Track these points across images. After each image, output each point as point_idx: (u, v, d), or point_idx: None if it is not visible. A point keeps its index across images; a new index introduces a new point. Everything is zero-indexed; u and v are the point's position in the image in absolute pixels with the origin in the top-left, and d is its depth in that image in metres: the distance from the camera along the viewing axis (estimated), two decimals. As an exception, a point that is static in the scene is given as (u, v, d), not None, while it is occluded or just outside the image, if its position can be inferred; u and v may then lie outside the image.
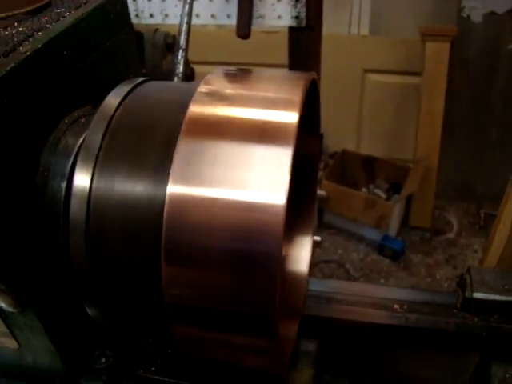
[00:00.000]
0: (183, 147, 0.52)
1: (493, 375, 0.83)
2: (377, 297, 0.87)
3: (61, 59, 0.64)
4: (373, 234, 2.82)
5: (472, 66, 2.66)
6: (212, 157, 0.51)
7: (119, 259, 0.57)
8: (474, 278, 0.84)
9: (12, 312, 0.61)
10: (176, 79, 0.90)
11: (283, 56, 1.47)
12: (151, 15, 1.38)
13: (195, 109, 0.54)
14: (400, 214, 2.86)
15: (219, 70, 0.60)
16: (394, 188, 2.88)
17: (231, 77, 0.60)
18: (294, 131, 0.50)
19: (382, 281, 2.66)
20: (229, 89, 0.57)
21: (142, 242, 0.55)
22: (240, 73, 0.60)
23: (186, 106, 0.54)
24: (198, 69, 1.42)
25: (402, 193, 2.73)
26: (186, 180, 0.51)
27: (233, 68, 0.61)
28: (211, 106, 0.54)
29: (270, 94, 0.55)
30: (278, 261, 0.48)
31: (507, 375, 0.82)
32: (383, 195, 2.87)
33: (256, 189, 0.49)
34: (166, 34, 1.05)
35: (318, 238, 0.81)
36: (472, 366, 0.92)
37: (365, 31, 2.76)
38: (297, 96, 0.53)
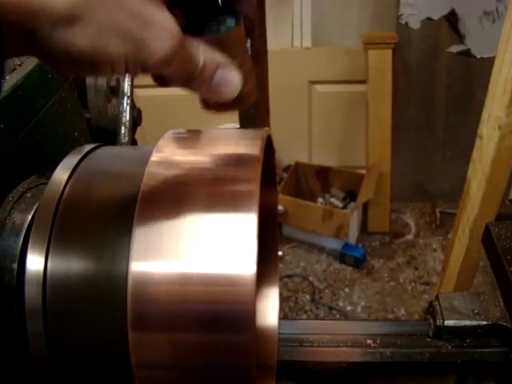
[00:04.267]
0: (141, 221, 0.49)
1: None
2: (349, 333, 0.86)
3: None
4: (333, 244, 2.83)
5: (414, 70, 2.71)
6: (172, 229, 0.48)
7: (83, 345, 0.53)
8: (443, 304, 0.84)
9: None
10: (123, 129, 0.87)
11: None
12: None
13: (149, 181, 0.51)
14: (358, 221, 2.88)
15: (169, 135, 0.57)
16: (350, 196, 2.91)
17: (183, 141, 0.57)
18: (256, 196, 0.48)
19: (347, 290, 2.67)
20: (182, 156, 0.54)
21: (106, 325, 0.51)
22: (192, 136, 0.57)
23: (139, 178, 0.52)
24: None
25: (358, 200, 2.75)
26: (148, 255, 0.48)
27: (183, 131, 0.58)
28: (166, 176, 0.52)
29: (227, 158, 0.53)
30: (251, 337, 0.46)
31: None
32: (339, 204, 2.89)
33: (224, 260, 0.46)
34: (109, 77, 1.01)
35: (279, 253, 0.79)
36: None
37: (308, 43, 2.78)
38: (255, 159, 0.51)
